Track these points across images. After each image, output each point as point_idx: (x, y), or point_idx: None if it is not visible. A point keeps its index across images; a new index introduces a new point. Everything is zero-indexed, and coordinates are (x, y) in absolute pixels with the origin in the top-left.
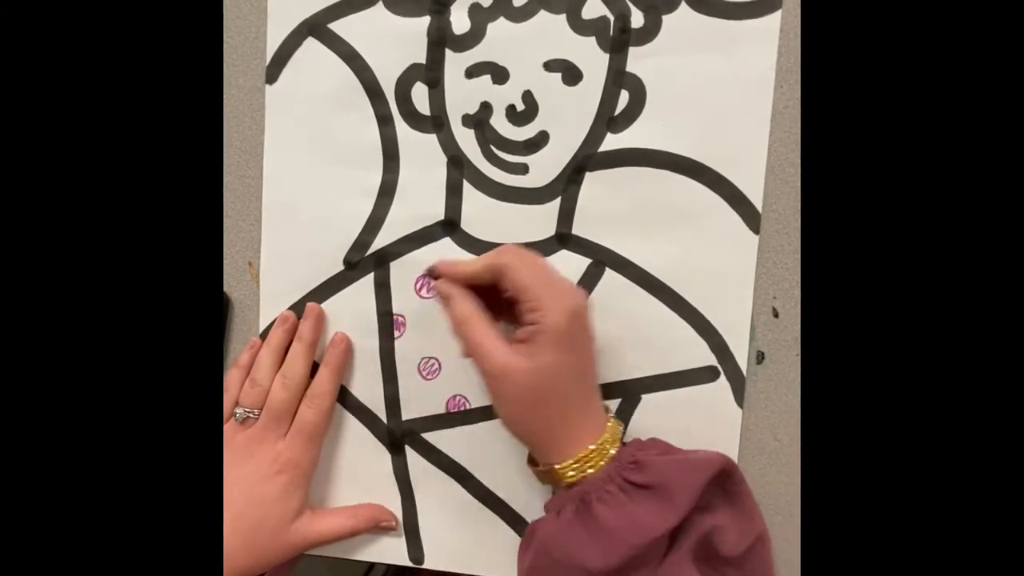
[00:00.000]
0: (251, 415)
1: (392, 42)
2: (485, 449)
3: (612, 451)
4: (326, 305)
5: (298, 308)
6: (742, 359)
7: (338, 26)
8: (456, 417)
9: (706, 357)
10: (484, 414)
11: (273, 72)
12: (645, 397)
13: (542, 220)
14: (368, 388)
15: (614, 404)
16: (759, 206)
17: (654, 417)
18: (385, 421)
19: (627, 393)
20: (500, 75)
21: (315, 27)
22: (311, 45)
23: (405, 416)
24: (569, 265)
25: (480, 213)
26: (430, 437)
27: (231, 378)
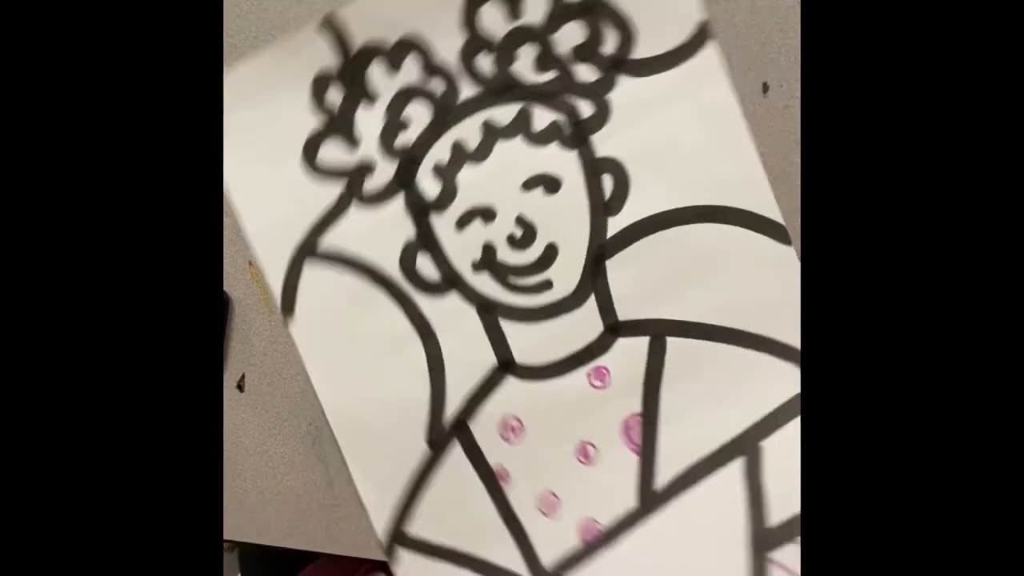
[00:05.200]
0: None
1: (379, 232)
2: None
3: None
4: (432, 487)
5: (405, 508)
6: None
7: (327, 240)
8: (597, 544)
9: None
10: (627, 524)
11: (287, 307)
12: (762, 443)
13: (587, 322)
14: (501, 550)
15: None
16: (779, 218)
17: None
18: None
19: (741, 447)
20: (488, 214)
21: (308, 248)
22: (311, 270)
23: (544, 561)
24: (631, 351)
25: (528, 342)
26: (584, 574)
27: None
